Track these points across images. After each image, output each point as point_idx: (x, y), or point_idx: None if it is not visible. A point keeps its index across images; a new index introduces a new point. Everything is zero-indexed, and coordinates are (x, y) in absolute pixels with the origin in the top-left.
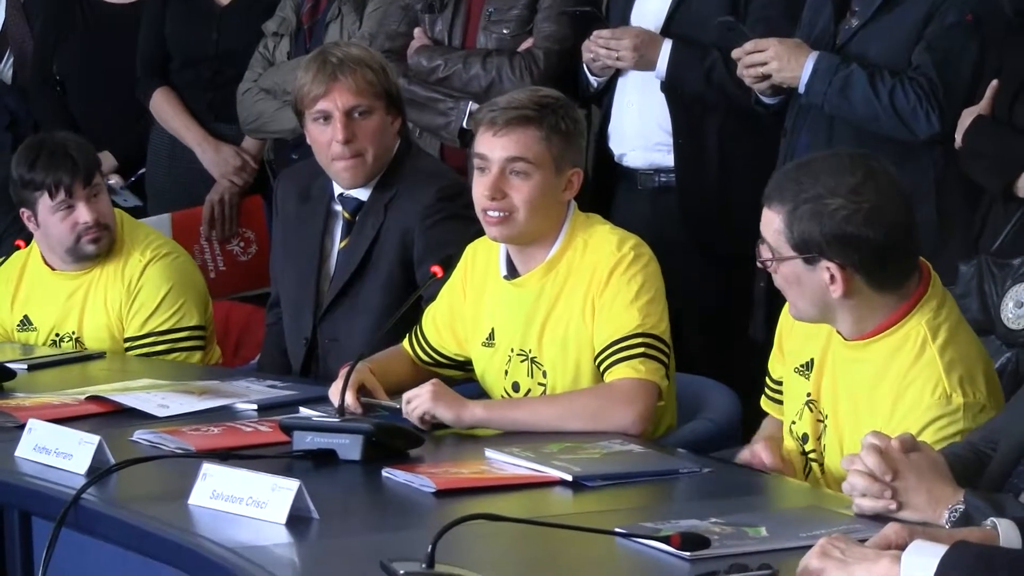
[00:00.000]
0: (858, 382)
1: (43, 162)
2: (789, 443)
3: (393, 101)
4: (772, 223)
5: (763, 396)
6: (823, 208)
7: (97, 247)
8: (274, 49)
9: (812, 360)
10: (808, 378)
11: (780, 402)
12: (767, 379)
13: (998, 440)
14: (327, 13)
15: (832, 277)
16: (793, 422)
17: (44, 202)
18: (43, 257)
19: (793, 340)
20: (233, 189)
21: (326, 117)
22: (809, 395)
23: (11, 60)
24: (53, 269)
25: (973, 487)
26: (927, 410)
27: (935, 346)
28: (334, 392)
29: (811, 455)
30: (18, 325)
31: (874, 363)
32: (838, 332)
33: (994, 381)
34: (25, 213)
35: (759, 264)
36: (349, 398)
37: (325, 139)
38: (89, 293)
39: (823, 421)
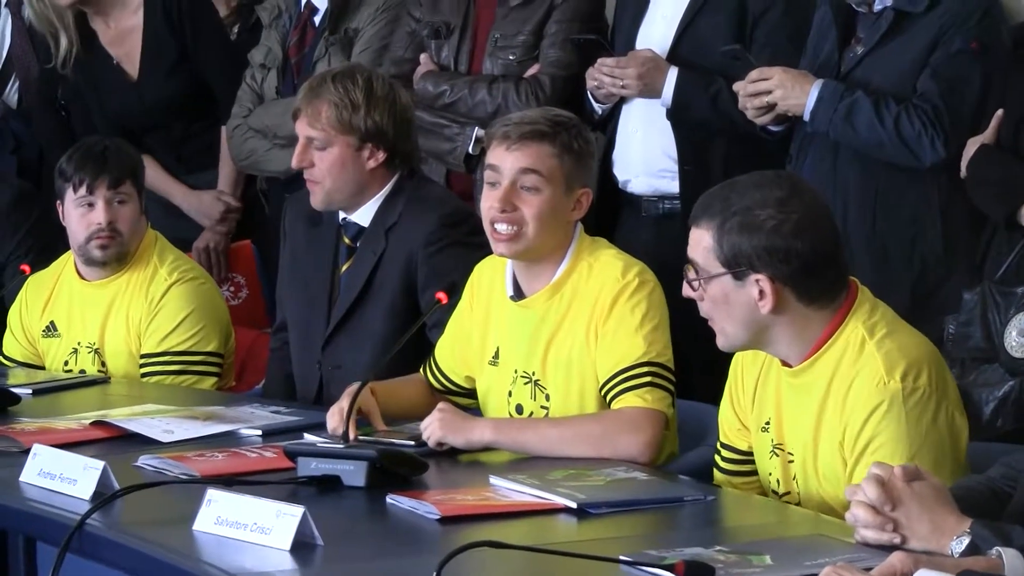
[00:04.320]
0: (812, 403)
1: (78, 157)
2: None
3: (370, 135)
4: (701, 241)
5: (719, 473)
6: (752, 220)
7: (103, 253)
8: (262, 81)
9: (770, 419)
10: (770, 431)
11: (739, 474)
12: (724, 451)
13: (1017, 478)
14: (315, 49)
15: (761, 292)
16: (769, 473)
17: (69, 195)
18: (75, 265)
19: (752, 410)
20: (219, 237)
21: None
22: (773, 442)
23: (16, 85)
24: (83, 278)
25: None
26: (867, 400)
27: (873, 342)
28: (331, 414)
29: (785, 498)
30: (43, 331)
31: (822, 380)
32: (782, 362)
33: (945, 379)
34: (59, 206)
35: (685, 286)
36: (349, 426)
37: None
38: (113, 306)
39: (792, 461)
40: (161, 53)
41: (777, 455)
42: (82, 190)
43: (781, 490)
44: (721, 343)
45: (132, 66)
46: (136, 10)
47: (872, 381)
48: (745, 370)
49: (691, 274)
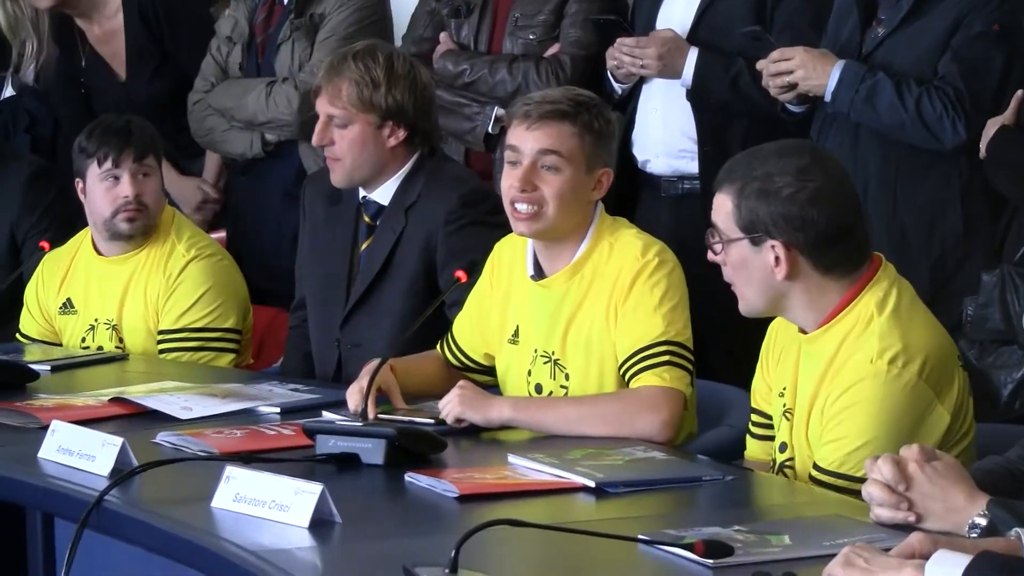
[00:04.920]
0: (817, 370)
1: (100, 132)
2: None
3: (391, 113)
4: (723, 206)
5: (752, 439)
6: (770, 186)
7: (131, 227)
8: (227, 55)
9: (786, 384)
10: (784, 396)
11: (768, 438)
12: (755, 416)
13: None
14: (279, 32)
15: (776, 258)
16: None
17: (93, 170)
18: (93, 241)
19: (775, 375)
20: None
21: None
22: (785, 405)
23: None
24: (100, 254)
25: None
26: (852, 374)
27: (879, 320)
28: (351, 393)
29: (788, 463)
30: (60, 307)
31: (829, 349)
32: (800, 329)
33: (947, 375)
34: (79, 184)
35: (710, 252)
36: (368, 405)
37: None
38: (131, 282)
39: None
40: (144, 56)
41: (788, 419)
42: (107, 164)
43: (787, 454)
44: (741, 308)
45: (120, 66)
46: (116, 13)
47: (864, 358)
48: (778, 335)
49: (712, 238)
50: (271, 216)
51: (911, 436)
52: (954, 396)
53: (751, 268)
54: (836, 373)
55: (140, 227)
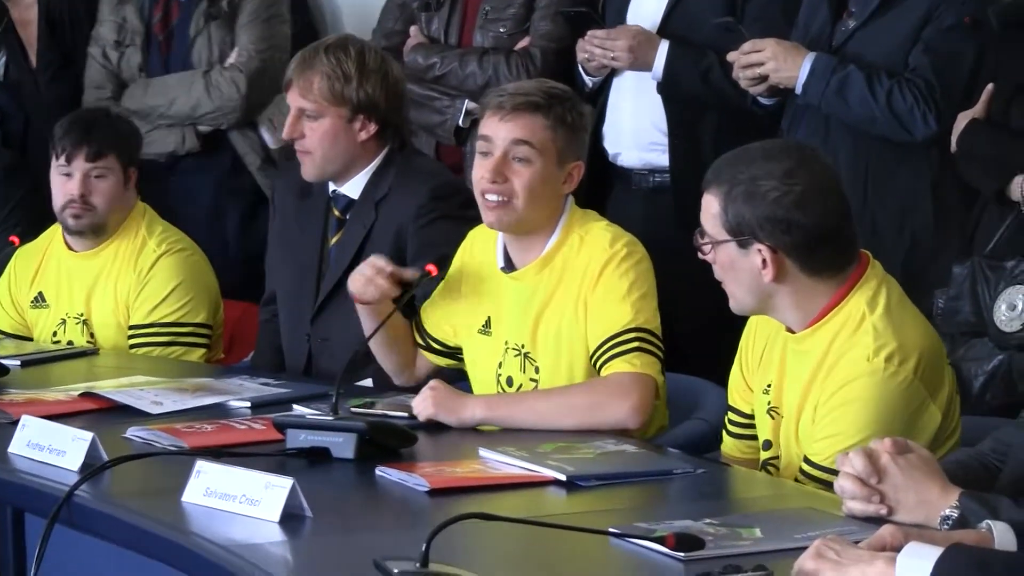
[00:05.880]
0: (807, 369)
1: (66, 124)
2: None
3: (363, 107)
4: (710, 207)
5: (728, 436)
6: (756, 190)
7: (76, 223)
8: (119, 60)
9: (771, 382)
10: (769, 393)
11: (744, 437)
12: (731, 415)
13: (1007, 452)
14: (189, 25)
15: (764, 261)
16: (764, 437)
17: (53, 162)
18: (63, 235)
19: (757, 372)
20: None
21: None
22: (770, 403)
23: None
24: (71, 249)
25: None
26: (848, 372)
27: (872, 318)
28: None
29: (772, 461)
30: (32, 302)
31: (819, 348)
32: (787, 328)
33: (938, 374)
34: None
35: (699, 253)
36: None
37: None
38: (100, 277)
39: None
40: (48, 54)
41: (772, 418)
42: (62, 159)
43: (771, 452)
44: (732, 306)
45: (33, 55)
46: (31, 5)
47: (860, 355)
48: (758, 333)
49: (700, 239)
50: (209, 210)
51: (904, 434)
52: (945, 394)
53: (739, 270)
54: (829, 372)
55: (85, 225)
